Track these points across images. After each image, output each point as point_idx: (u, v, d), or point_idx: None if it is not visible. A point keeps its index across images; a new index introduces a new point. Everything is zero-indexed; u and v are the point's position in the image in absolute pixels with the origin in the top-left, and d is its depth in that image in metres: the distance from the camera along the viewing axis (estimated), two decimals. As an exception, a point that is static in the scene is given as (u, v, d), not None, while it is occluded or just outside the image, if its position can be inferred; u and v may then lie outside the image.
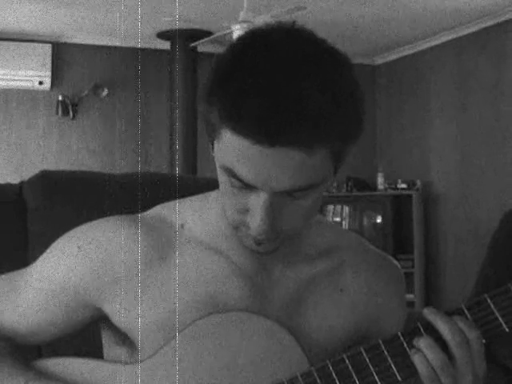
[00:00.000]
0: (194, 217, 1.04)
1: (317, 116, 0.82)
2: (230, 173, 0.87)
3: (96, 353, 1.07)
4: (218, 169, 0.92)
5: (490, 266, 1.45)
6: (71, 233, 1.05)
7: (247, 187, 0.87)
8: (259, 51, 0.86)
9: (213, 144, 0.91)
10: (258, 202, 0.88)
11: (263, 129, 0.82)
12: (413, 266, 6.10)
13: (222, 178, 0.91)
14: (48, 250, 1.06)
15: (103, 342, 1.10)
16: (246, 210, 0.90)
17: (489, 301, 0.93)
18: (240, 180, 0.87)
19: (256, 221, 0.89)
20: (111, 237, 1.01)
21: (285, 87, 0.82)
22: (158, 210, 1.06)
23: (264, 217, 0.88)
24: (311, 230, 1.06)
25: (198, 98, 0.91)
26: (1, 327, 1.05)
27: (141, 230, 1.01)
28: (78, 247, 1.02)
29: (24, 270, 1.08)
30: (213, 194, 1.06)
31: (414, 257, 6.17)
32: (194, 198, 1.08)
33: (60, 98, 6.22)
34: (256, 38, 0.89)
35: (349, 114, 0.86)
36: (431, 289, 6.30)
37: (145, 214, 1.06)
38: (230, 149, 0.86)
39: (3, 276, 1.08)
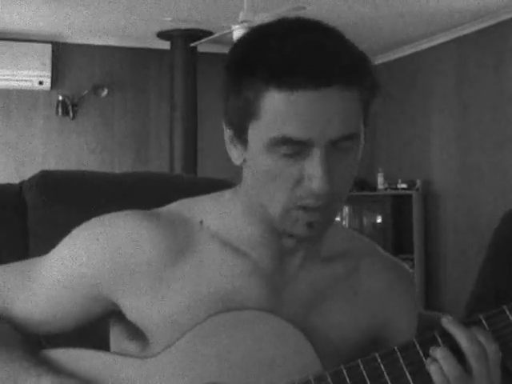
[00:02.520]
0: (213, 215, 1.04)
1: (351, 63, 0.93)
2: (281, 140, 0.90)
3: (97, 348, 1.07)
4: (259, 156, 0.93)
5: (491, 265, 1.44)
6: (88, 224, 1.04)
7: (299, 151, 0.91)
8: (287, 24, 0.95)
9: (241, 138, 0.95)
10: (314, 159, 0.91)
11: (310, 73, 0.89)
12: (413, 266, 6.10)
13: (267, 160, 0.93)
14: (65, 240, 1.05)
15: (111, 337, 1.10)
16: (298, 181, 0.92)
17: (507, 312, 0.92)
18: (291, 141, 0.90)
19: (317, 177, 0.90)
20: (130, 231, 1.01)
21: (323, 40, 0.93)
22: (176, 207, 1.06)
23: (323, 170, 0.90)
24: (328, 234, 1.06)
25: (227, 91, 0.96)
26: (13, 316, 1.04)
27: (160, 224, 1.01)
28: (96, 239, 1.01)
29: (38, 258, 1.07)
30: (227, 195, 1.06)
31: (413, 257, 6.17)
32: (208, 196, 1.08)
33: (60, 98, 6.22)
34: (274, 22, 0.97)
35: (371, 67, 0.97)
36: (431, 289, 6.30)
37: (163, 209, 1.06)
38: (277, 113, 0.90)
39: (16, 264, 1.08)
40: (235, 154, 0.99)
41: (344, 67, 0.92)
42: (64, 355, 1.01)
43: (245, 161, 0.98)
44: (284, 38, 0.92)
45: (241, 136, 0.95)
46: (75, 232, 1.05)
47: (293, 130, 0.90)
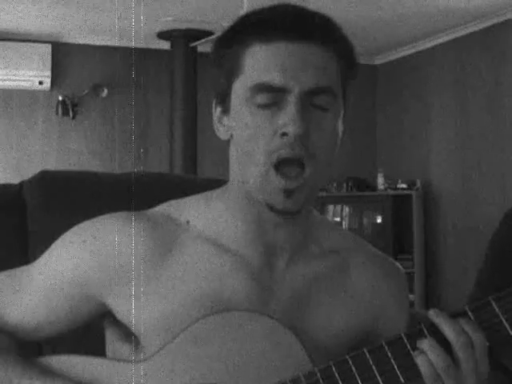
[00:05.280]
0: (199, 214, 1.05)
1: (327, 25, 1.01)
2: (258, 88, 0.95)
3: (95, 352, 1.07)
4: (239, 113, 0.98)
5: (490, 266, 1.44)
6: (76, 228, 1.06)
7: (275, 101, 0.95)
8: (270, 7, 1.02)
9: (226, 104, 1.01)
10: (288, 107, 0.94)
11: (286, 27, 0.97)
12: (413, 266, 6.10)
13: (247, 115, 0.97)
14: (53, 245, 1.07)
15: (106, 338, 1.10)
16: (274, 133, 0.95)
17: (493, 303, 0.93)
18: (268, 88, 0.95)
19: (290, 120, 0.94)
20: (116, 232, 1.01)
21: (302, 8, 1.01)
22: (164, 208, 1.07)
23: (297, 114, 0.94)
24: (316, 229, 1.07)
25: (219, 59, 1.03)
26: (5, 323, 1.04)
27: (146, 225, 1.02)
28: (83, 241, 1.03)
29: (28, 265, 1.08)
30: (215, 193, 1.07)
31: (413, 257, 6.16)
32: (197, 196, 1.09)
33: (60, 98, 6.21)
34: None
35: (347, 38, 1.02)
36: (431, 289, 6.29)
37: (150, 210, 1.07)
38: (256, 64, 0.97)
39: (7, 272, 1.09)
40: (222, 130, 1.03)
41: (319, 27, 0.99)
42: (57, 362, 1.01)
43: (231, 136, 1.01)
44: (266, 7, 1.01)
45: (226, 101, 1.00)
46: (63, 236, 1.06)
47: (269, 77, 0.95)
